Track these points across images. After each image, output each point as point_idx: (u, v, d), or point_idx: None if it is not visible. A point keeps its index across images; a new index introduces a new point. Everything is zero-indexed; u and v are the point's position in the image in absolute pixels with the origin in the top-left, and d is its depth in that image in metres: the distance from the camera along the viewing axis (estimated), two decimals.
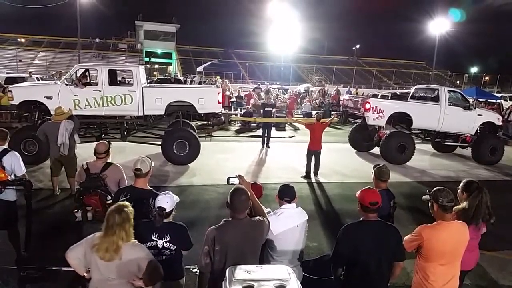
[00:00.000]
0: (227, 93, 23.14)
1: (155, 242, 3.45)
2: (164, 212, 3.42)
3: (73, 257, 3.06)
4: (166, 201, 3.45)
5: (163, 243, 3.46)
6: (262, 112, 16.25)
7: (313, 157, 10.48)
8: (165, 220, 3.46)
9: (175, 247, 3.51)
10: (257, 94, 23.64)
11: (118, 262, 2.96)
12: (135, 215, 3.31)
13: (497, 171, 12.80)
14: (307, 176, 10.46)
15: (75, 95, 10.41)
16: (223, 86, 24.09)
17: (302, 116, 23.93)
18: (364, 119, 13.24)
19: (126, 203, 3.15)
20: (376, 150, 13.56)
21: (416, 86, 15.98)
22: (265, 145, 14.25)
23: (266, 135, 14.32)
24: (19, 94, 10.66)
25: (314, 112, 23.84)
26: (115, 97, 10.62)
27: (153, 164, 4.16)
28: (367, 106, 12.71)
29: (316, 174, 10.56)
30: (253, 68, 52.91)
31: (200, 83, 25.49)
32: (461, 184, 4.08)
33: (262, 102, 17.27)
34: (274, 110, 17.58)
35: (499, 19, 72.08)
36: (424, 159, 13.81)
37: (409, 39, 68.44)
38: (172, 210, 3.51)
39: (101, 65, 11.18)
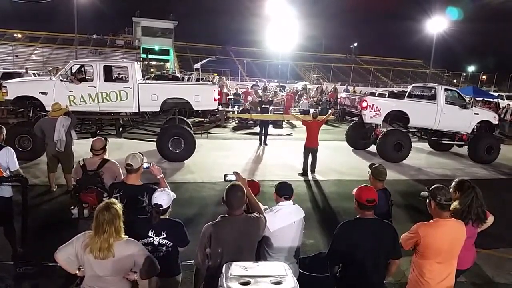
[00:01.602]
0: (225, 90, 23.08)
1: (151, 238, 3.45)
2: (160, 209, 3.42)
3: (63, 257, 3.04)
4: (163, 198, 3.45)
5: (159, 239, 3.46)
6: (259, 109, 16.28)
7: (310, 155, 10.47)
8: (161, 217, 3.45)
9: (172, 243, 3.50)
10: (255, 91, 23.62)
11: (112, 259, 2.96)
12: (129, 211, 3.31)
13: (493, 169, 12.85)
14: (304, 173, 10.46)
15: (70, 91, 10.37)
16: (221, 83, 24.07)
17: (299, 113, 23.94)
18: (361, 117, 13.24)
19: (113, 200, 3.14)
20: (373, 148, 13.59)
21: (413, 85, 16.04)
22: (262, 143, 14.27)
23: (263, 132, 14.34)
24: (13, 89, 10.60)
25: (312, 110, 23.91)
26: (110, 94, 10.59)
27: (145, 160, 4.14)
28: (364, 104, 12.71)
29: (313, 171, 10.56)
30: (250, 66, 52.82)
31: (197, 80, 25.48)
32: (453, 183, 4.06)
33: (260, 99, 17.30)
34: (271, 107, 17.59)
35: (497, 18, 72.13)
36: (420, 157, 13.85)
37: (406, 38, 68.49)
38: (168, 207, 3.51)
39: (96, 61, 11.15)
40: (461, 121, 13.37)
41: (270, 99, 18.10)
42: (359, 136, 14.11)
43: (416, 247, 3.48)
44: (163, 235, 3.46)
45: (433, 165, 12.98)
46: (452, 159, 14.03)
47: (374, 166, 4.79)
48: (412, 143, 12.91)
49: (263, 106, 15.96)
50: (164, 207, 3.44)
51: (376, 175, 4.64)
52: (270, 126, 18.42)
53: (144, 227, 3.44)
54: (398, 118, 13.32)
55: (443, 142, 14.15)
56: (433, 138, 13.99)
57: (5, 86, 10.73)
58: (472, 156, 13.66)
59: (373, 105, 12.69)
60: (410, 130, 13.73)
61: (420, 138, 14.36)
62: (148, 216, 3.47)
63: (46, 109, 9.89)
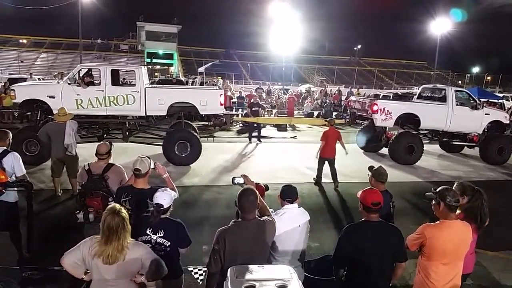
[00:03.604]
0: (229, 93, 23.12)
1: (148, 236, 3.48)
2: (161, 208, 3.44)
3: (69, 262, 3.03)
4: (164, 197, 3.48)
5: (156, 238, 3.48)
6: (250, 111, 16.72)
7: (328, 165, 9.78)
8: (161, 216, 3.47)
9: (170, 243, 3.51)
10: (259, 94, 23.68)
11: (120, 263, 2.96)
12: (138, 215, 3.37)
13: (506, 171, 12.72)
14: (318, 181, 9.97)
15: (77, 95, 10.44)
16: (225, 86, 24.13)
17: (303, 116, 23.96)
18: (371, 121, 13.11)
19: (117, 204, 3.14)
20: (381, 150, 13.58)
21: (423, 86, 16.06)
22: (252, 139, 15.30)
23: (254, 132, 15.52)
24: (22, 93, 10.68)
25: (315, 113, 23.94)
26: (118, 97, 10.64)
27: (152, 164, 4.14)
28: (375, 108, 12.64)
29: (335, 180, 9.79)
30: (254, 69, 52.94)
31: (201, 83, 25.52)
32: (456, 187, 3.92)
33: (252, 102, 17.67)
34: (273, 110, 17.72)
35: (501, 19, 71.87)
36: (432, 159, 13.77)
37: (410, 39, 68.33)
38: (169, 207, 3.53)
39: (104, 65, 11.23)
40: (472, 122, 13.30)
41: (258, 101, 18.55)
42: (370, 139, 14.01)
43: (422, 249, 3.47)
44: (160, 233, 3.48)
45: (445, 167, 12.92)
46: (464, 161, 13.96)
47: (375, 168, 4.77)
48: (424, 146, 12.85)
49: (253, 109, 16.43)
50: (165, 206, 3.47)
51: (378, 177, 4.64)
52: (274, 129, 18.62)
53: (142, 225, 3.49)
54: (409, 120, 13.23)
55: (454, 143, 14.12)
56: (444, 139, 13.99)
57: (13, 90, 10.82)
58: (483, 157, 13.57)
59: (384, 108, 12.64)
60: (421, 131, 13.65)
61: (431, 140, 14.33)
62: (148, 215, 3.50)
63: (54, 112, 9.94)
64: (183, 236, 3.57)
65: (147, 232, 3.48)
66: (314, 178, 10.07)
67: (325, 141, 9.65)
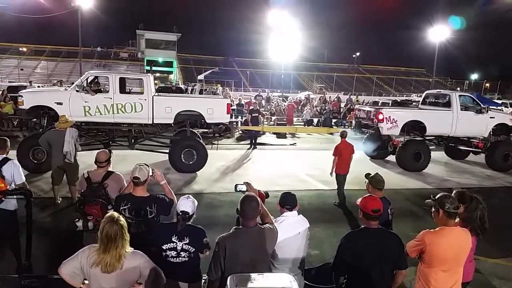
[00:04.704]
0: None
1: (174, 244, 3.53)
2: (187, 216, 3.52)
3: (67, 272, 3.01)
4: (189, 205, 3.56)
5: (182, 245, 3.54)
6: (249, 118, 16.91)
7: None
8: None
9: (194, 249, 3.57)
10: (258, 101, 23.74)
11: (119, 272, 2.94)
12: (137, 223, 3.41)
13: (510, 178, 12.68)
14: (342, 202, 8.99)
15: (85, 102, 10.47)
16: (224, 94, 24.20)
17: (303, 123, 23.97)
18: (377, 129, 13.09)
19: (115, 212, 3.14)
20: (382, 157, 13.57)
21: (426, 92, 16.14)
22: (252, 146, 15.75)
23: (253, 138, 15.88)
24: (29, 99, 10.71)
25: (315, 120, 23.97)
26: (126, 105, 10.69)
27: (151, 172, 4.15)
28: (381, 116, 12.64)
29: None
30: (253, 76, 53.08)
31: (201, 91, 25.58)
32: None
33: (251, 108, 17.76)
34: (272, 117, 17.77)
35: (500, 26, 72.22)
36: (438, 166, 13.76)
37: (409, 47, 68.89)
38: (193, 214, 3.60)
39: (112, 73, 11.30)
40: (477, 126, 13.35)
41: (258, 108, 18.82)
42: (377, 146, 13.94)
43: (422, 255, 3.46)
44: (186, 240, 3.54)
45: (451, 173, 12.94)
46: (469, 167, 13.97)
47: (371, 175, 4.77)
48: (431, 153, 12.85)
49: (253, 115, 16.68)
50: (190, 213, 3.55)
51: (375, 184, 4.65)
52: (274, 136, 18.67)
53: (168, 233, 3.54)
54: (414, 127, 13.25)
55: (460, 148, 14.18)
56: (450, 144, 14.07)
57: (21, 96, 10.84)
58: (489, 164, 13.56)
59: (389, 117, 12.66)
60: (427, 138, 13.64)
61: (437, 145, 14.36)
62: (172, 222, 3.60)
63: None
64: (205, 242, 3.64)
65: (173, 239, 3.53)
66: (335, 202, 9.10)
67: (338, 156, 8.90)
